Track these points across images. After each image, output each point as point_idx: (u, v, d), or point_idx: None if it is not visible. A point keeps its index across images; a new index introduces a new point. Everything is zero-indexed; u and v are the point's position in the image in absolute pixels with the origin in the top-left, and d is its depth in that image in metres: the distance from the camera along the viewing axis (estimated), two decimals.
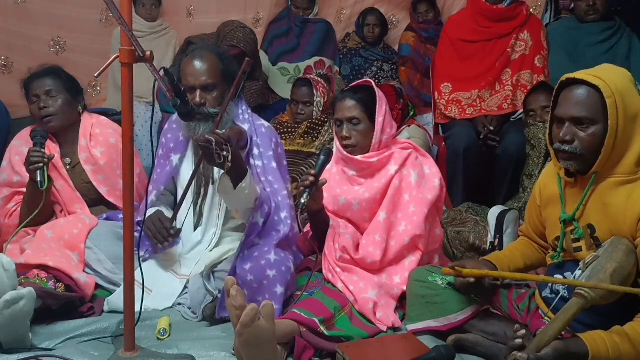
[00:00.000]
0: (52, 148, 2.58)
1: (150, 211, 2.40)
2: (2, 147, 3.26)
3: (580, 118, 1.77)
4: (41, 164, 2.37)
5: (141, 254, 2.34)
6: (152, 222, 2.32)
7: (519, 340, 1.61)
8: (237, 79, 2.12)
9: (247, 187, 2.13)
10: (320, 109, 3.46)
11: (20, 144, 2.64)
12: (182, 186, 2.47)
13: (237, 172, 2.08)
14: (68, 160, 2.62)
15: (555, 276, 1.89)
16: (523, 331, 1.64)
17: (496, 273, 1.98)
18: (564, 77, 1.84)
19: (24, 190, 2.51)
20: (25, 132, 2.68)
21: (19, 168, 2.56)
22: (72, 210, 2.57)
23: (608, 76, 1.76)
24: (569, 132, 1.79)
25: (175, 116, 2.51)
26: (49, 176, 2.40)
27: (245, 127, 2.43)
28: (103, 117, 2.80)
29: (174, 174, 2.50)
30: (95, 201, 2.64)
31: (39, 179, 2.36)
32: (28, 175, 2.46)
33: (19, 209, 2.53)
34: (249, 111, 2.51)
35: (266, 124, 2.53)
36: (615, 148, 1.75)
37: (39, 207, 2.40)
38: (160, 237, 2.31)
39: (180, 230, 2.36)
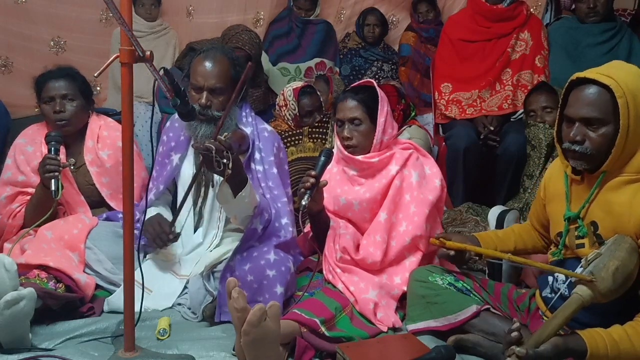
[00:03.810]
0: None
1: (150, 211, 2.40)
2: (1, 146, 3.26)
3: (590, 119, 1.75)
4: (56, 173, 2.31)
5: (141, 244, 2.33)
6: (152, 226, 2.32)
7: (515, 334, 1.61)
8: (239, 84, 2.11)
9: (247, 196, 2.12)
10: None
11: (25, 143, 2.61)
12: (182, 186, 2.47)
13: (237, 179, 2.08)
14: (72, 160, 2.56)
15: None
16: (517, 324, 1.63)
17: (478, 249, 2.05)
18: (574, 76, 1.81)
19: (28, 190, 2.49)
20: (31, 131, 2.65)
21: (23, 167, 2.54)
22: (75, 213, 2.54)
23: (619, 75, 1.73)
24: (580, 133, 1.78)
25: (177, 115, 2.50)
26: (61, 184, 2.34)
27: (248, 130, 2.42)
28: (110, 119, 2.75)
29: (175, 174, 2.50)
30: (97, 203, 2.62)
31: (53, 188, 2.30)
32: (33, 175, 2.43)
33: (23, 209, 2.50)
34: (253, 114, 2.50)
35: (269, 127, 2.51)
36: (626, 148, 1.74)
37: (48, 214, 2.35)
38: (159, 242, 2.31)
39: (179, 234, 2.36)
